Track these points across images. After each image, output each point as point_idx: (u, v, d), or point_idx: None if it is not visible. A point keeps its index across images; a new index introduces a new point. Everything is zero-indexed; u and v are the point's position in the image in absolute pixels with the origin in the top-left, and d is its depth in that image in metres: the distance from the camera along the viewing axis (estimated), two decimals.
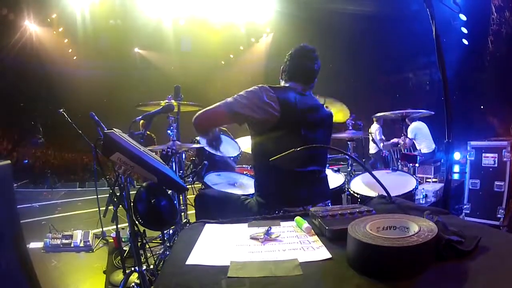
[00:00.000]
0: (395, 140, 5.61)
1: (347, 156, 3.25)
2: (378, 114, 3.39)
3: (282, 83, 1.87)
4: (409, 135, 5.67)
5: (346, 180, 2.75)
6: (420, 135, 5.69)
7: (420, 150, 5.72)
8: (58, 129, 7.81)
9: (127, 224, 1.84)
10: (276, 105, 1.62)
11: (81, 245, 3.49)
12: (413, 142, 5.75)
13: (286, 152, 1.24)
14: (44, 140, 9.09)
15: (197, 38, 10.56)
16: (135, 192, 2.08)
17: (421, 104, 5.78)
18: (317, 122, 1.77)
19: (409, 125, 5.73)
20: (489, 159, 3.76)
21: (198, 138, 3.26)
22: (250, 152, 1.85)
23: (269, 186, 1.72)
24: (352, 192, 2.56)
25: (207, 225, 1.07)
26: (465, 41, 8.05)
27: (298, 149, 1.24)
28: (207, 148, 2.98)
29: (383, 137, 6.27)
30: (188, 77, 9.98)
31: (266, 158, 1.46)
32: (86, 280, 2.92)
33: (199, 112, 1.73)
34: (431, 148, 5.71)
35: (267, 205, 1.67)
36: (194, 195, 3.03)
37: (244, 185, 2.70)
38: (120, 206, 1.82)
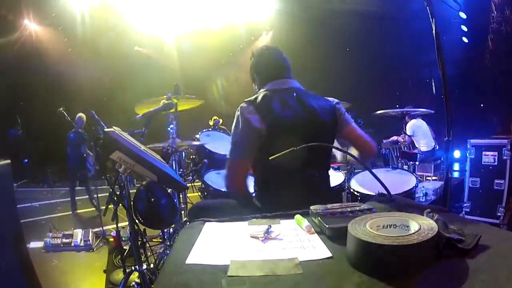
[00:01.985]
0: (394, 138, 5.60)
1: (346, 154, 3.25)
2: (378, 112, 3.39)
3: (260, 90, 1.74)
4: (408, 132, 5.66)
5: (346, 178, 2.75)
6: (419, 133, 5.68)
7: (419, 148, 5.71)
8: (58, 129, 7.80)
9: (127, 223, 1.84)
10: (260, 121, 1.56)
11: (82, 244, 3.49)
12: (412, 140, 5.74)
13: (285, 151, 1.24)
14: (24, 133, 9.18)
15: (196, 37, 10.54)
16: (135, 191, 2.09)
17: (421, 102, 5.78)
18: (310, 120, 1.63)
19: (407, 122, 5.73)
20: (489, 157, 3.76)
21: (198, 136, 3.26)
22: None
23: (267, 192, 1.67)
24: (352, 190, 2.56)
25: (207, 224, 1.07)
26: (465, 39, 8.04)
27: (297, 148, 1.23)
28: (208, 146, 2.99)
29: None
30: (188, 76, 9.97)
31: (263, 163, 1.44)
32: (86, 279, 2.93)
33: (227, 183, 1.69)
34: (430, 146, 5.70)
35: (265, 211, 1.62)
36: (194, 193, 3.05)
37: None
38: (120, 205, 1.82)
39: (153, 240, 3.31)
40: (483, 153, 3.80)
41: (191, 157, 3.33)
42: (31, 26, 9.62)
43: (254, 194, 1.77)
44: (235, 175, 1.66)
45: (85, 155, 5.43)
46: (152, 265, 2.33)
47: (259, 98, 1.64)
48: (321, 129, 1.66)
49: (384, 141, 6.03)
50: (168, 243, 2.72)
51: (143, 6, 8.78)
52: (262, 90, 1.72)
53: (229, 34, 10.57)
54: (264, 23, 10.59)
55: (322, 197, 1.76)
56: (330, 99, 1.80)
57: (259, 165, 1.68)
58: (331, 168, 2.91)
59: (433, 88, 9.30)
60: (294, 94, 1.67)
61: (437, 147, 5.76)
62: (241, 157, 1.62)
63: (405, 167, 3.58)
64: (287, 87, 1.70)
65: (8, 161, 1.80)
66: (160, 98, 2.74)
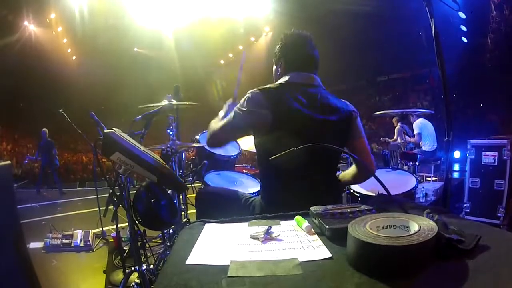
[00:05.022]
0: (399, 140, 5.62)
1: (346, 155, 3.25)
2: (378, 113, 3.39)
3: (281, 75, 1.70)
4: (416, 130, 5.67)
5: None
6: (425, 132, 5.68)
7: (422, 147, 5.72)
8: (58, 129, 7.81)
9: (127, 223, 1.84)
10: (267, 108, 1.52)
11: (81, 245, 3.49)
12: (420, 138, 5.74)
13: (285, 152, 1.22)
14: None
15: (197, 38, 10.54)
16: (135, 191, 2.08)
17: (422, 103, 5.79)
18: (322, 118, 1.56)
19: (412, 122, 5.74)
20: (489, 158, 3.76)
21: (198, 137, 3.26)
22: (254, 151, 1.81)
23: (273, 192, 1.64)
24: (352, 191, 2.56)
25: (207, 225, 1.07)
26: (464, 39, 8.05)
27: (297, 148, 1.22)
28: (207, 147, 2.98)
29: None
30: (188, 77, 9.98)
31: (267, 160, 1.39)
32: (86, 280, 2.92)
33: (212, 134, 1.73)
34: (433, 147, 5.70)
35: (269, 210, 1.60)
36: (195, 194, 3.04)
37: (244, 184, 2.70)
38: (120, 205, 1.82)
39: (153, 240, 3.31)
40: (483, 153, 3.80)
41: (191, 158, 3.32)
42: (31, 27, 9.63)
43: (261, 195, 1.73)
44: (220, 140, 1.75)
45: (52, 156, 8.31)
46: (152, 266, 2.33)
47: (273, 89, 1.59)
48: (329, 132, 1.58)
49: (392, 143, 6.04)
50: (168, 244, 2.71)
51: (142, 2, 8.78)
52: (283, 78, 1.66)
53: (229, 35, 10.58)
54: (264, 24, 10.61)
55: (323, 202, 1.71)
56: (350, 104, 1.72)
57: (263, 165, 1.66)
58: None
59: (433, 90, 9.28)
60: (312, 92, 1.60)
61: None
62: (233, 132, 1.72)
63: (405, 167, 3.58)
64: (308, 83, 1.64)
65: (9, 162, 1.80)
66: (159, 103, 2.72)
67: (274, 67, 1.77)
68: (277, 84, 1.64)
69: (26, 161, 8.85)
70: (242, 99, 1.60)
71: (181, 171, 3.13)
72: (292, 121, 1.52)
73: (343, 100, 1.69)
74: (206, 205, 1.92)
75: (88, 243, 3.52)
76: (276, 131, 1.51)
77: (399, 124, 5.86)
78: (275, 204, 1.52)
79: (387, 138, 6.47)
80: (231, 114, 1.63)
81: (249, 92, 1.59)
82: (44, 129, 8.44)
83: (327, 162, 1.64)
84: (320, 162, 1.55)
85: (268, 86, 1.61)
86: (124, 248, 3.02)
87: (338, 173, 2.72)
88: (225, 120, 1.66)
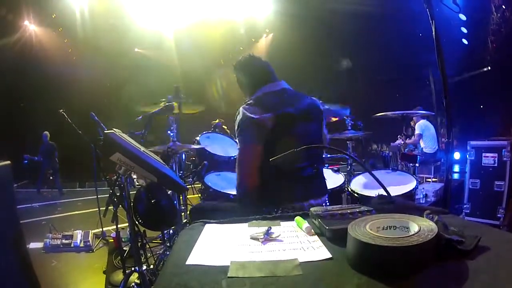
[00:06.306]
0: (400, 141, 5.62)
1: (346, 156, 3.25)
2: (378, 114, 3.38)
3: (252, 96, 1.78)
4: (417, 131, 5.69)
5: (346, 180, 2.75)
6: (427, 133, 5.70)
7: (422, 149, 5.73)
8: (58, 129, 7.81)
9: (127, 224, 1.84)
10: (263, 115, 1.63)
11: (81, 245, 3.49)
12: (420, 139, 5.75)
13: (286, 153, 1.23)
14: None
15: (196, 38, 10.53)
16: (135, 192, 2.09)
17: (421, 104, 5.80)
18: (300, 116, 1.71)
19: (415, 122, 5.76)
20: (489, 159, 3.76)
21: (198, 138, 3.26)
22: None
23: (266, 187, 1.70)
24: (352, 192, 2.56)
25: (207, 225, 1.07)
26: (465, 41, 8.04)
27: (298, 149, 1.23)
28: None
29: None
30: (188, 77, 9.97)
31: (263, 161, 1.48)
32: (86, 280, 2.92)
33: (240, 179, 1.69)
34: (434, 149, 5.71)
35: (265, 205, 1.66)
36: (194, 195, 3.05)
37: None
38: (120, 206, 1.82)
39: (153, 241, 3.31)
40: (483, 154, 3.80)
41: (191, 158, 3.32)
42: (31, 27, 9.63)
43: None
44: (247, 163, 1.66)
45: (54, 160, 8.42)
46: (152, 266, 2.33)
47: (257, 100, 1.70)
48: (313, 127, 1.78)
49: (392, 144, 6.04)
50: (168, 244, 2.71)
51: (142, 2, 8.78)
52: (256, 95, 1.75)
53: (229, 35, 10.57)
54: (264, 25, 10.60)
55: (319, 187, 1.84)
56: (315, 98, 1.89)
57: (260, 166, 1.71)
58: (331, 170, 2.92)
59: (433, 91, 9.30)
60: (286, 95, 1.75)
61: (443, 146, 5.78)
62: (252, 142, 1.65)
63: (405, 169, 3.58)
64: (279, 89, 1.77)
65: (8, 162, 1.80)
66: (161, 103, 2.72)
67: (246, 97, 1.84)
68: (255, 97, 1.73)
69: (26, 161, 8.80)
70: (236, 123, 1.68)
71: (181, 171, 3.14)
72: (280, 123, 1.64)
73: (309, 96, 1.85)
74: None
75: (88, 243, 3.52)
76: (274, 129, 1.62)
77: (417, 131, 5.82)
78: (270, 198, 1.66)
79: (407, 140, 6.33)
80: (238, 147, 1.70)
81: (239, 111, 1.67)
82: (45, 132, 8.42)
83: (314, 153, 1.79)
84: (313, 155, 1.75)
85: (249, 101, 1.71)
86: (124, 248, 3.01)
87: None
88: (237, 158, 1.71)
